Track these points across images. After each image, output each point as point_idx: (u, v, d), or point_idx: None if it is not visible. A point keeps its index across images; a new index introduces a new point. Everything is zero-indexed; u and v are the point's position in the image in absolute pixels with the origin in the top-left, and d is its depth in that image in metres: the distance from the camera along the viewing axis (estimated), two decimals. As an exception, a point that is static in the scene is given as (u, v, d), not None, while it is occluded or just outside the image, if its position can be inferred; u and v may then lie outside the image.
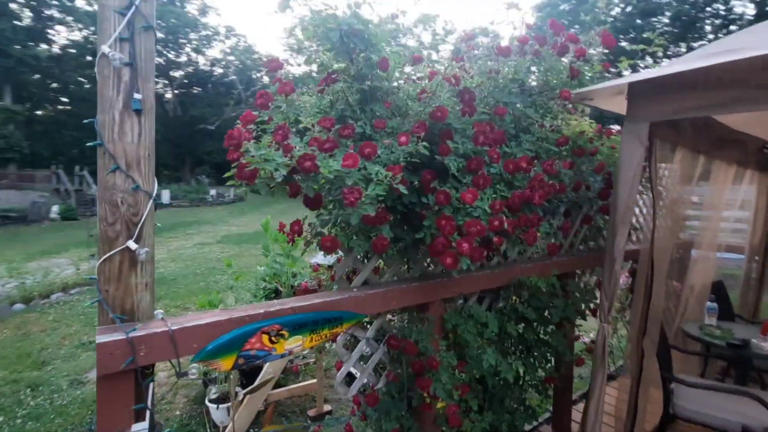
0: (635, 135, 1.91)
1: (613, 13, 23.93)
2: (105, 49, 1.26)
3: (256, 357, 1.45)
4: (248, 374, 3.73)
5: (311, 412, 3.80)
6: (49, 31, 26.31)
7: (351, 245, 1.59)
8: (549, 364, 2.46)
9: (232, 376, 3.30)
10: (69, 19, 26.59)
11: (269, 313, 1.50)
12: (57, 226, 16.55)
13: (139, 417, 1.30)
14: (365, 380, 1.97)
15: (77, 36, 28.10)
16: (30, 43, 23.76)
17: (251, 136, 1.40)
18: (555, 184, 1.68)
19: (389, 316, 2.18)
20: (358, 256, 1.89)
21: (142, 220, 1.35)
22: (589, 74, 2.15)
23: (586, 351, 3.72)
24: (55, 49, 27.01)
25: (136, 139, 1.32)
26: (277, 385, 3.75)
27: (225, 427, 3.20)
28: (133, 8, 1.30)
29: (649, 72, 1.88)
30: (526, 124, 2.07)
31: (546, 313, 2.40)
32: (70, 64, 26.40)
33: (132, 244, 1.32)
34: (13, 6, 23.38)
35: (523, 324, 2.45)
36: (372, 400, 1.94)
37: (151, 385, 1.32)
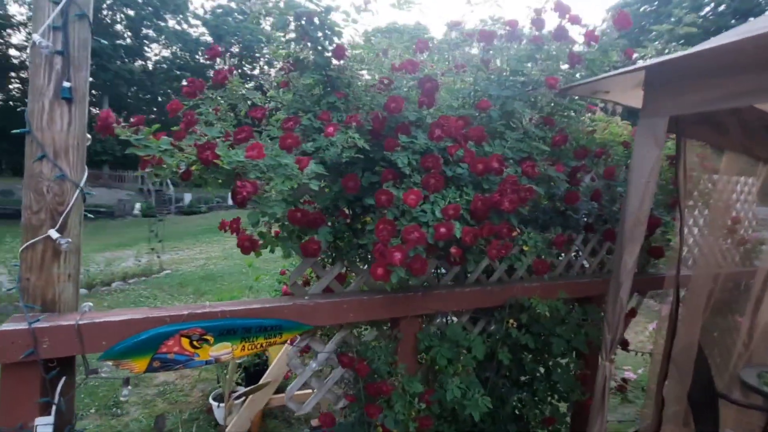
0: (650, 133, 1.56)
1: (702, 12, 21.54)
2: (36, 37, 1.26)
3: (174, 361, 1.36)
4: (252, 376, 3.72)
5: (314, 422, 3.68)
6: (144, 48, 29.70)
7: (275, 247, 1.45)
8: (552, 403, 2.11)
9: (228, 376, 3.29)
10: (161, 37, 29.84)
11: (194, 315, 1.40)
12: (136, 222, 18.41)
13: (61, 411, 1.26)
14: (321, 397, 1.80)
15: (167, 53, 31.42)
16: (126, 60, 27.03)
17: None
18: (532, 188, 1.40)
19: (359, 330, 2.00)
20: (318, 260, 1.74)
21: (67, 210, 1.33)
22: (602, 62, 1.81)
23: (617, 390, 3.21)
24: (149, 64, 30.43)
25: (66, 127, 1.31)
26: (281, 390, 3.70)
27: (225, 427, 3.20)
28: (68, -3, 1.29)
29: (671, 55, 1.53)
30: (523, 122, 1.80)
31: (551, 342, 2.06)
32: (159, 77, 29.51)
33: (53, 234, 1.30)
34: (117, 27, 26.82)
35: (529, 354, 2.13)
36: (328, 421, 1.77)
37: (62, 378, 1.28)
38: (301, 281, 1.78)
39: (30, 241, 1.29)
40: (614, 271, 1.61)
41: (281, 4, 1.47)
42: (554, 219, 2.24)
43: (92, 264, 7.75)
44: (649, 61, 1.55)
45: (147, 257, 8.60)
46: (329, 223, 1.51)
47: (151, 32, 29.35)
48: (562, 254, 2.24)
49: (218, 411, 3.33)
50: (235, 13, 31.14)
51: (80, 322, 1.25)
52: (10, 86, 25.08)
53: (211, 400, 3.55)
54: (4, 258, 6.41)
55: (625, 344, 2.61)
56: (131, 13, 26.95)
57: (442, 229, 1.22)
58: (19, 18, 23.97)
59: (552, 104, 1.82)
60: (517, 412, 2.14)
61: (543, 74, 1.73)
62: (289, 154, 1.17)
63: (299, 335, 1.68)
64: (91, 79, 1.37)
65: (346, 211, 1.69)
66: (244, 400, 3.35)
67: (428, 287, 1.97)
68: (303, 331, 1.60)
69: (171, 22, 29.94)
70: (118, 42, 26.25)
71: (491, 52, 1.75)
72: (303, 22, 1.46)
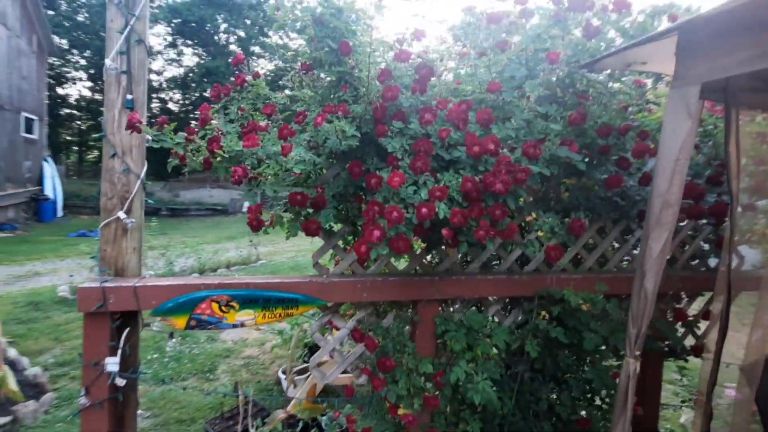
0: (681, 103, 1.36)
1: None
2: (107, 62, 1.62)
3: (207, 322, 1.62)
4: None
5: (281, 414, 3.84)
6: (253, 64, 33.31)
7: (282, 226, 1.61)
8: (591, 404, 1.96)
9: (290, 353, 3.64)
10: (266, 54, 33.12)
11: (222, 284, 1.65)
12: (245, 218, 20.81)
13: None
14: (342, 369, 1.94)
15: (271, 66, 34.79)
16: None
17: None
18: (528, 169, 1.33)
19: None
20: (339, 243, 1.89)
21: (132, 196, 1.67)
22: (631, 32, 1.60)
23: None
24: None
25: (129, 131, 1.65)
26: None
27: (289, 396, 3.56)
28: (129, 28, 1.63)
29: (702, 12, 1.32)
30: (548, 105, 1.71)
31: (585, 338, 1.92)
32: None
33: (122, 215, 1.65)
34: (231, 47, 30.50)
35: (564, 350, 2.01)
36: (349, 392, 1.91)
37: (127, 329, 1.62)
38: (341, 267, 1.91)
39: (106, 221, 1.66)
40: (639, 259, 1.46)
41: (297, 11, 1.64)
42: (602, 206, 2.06)
43: (204, 253, 9.03)
44: (686, 17, 1.37)
45: (247, 249, 9.76)
46: (337, 208, 1.64)
47: (257, 49, 32.75)
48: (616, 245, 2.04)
49: (285, 383, 3.70)
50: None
51: (136, 285, 1.57)
52: (152, 105, 30.17)
53: (280, 374, 3.96)
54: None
55: (697, 351, 2.28)
56: (242, 34, 30.39)
57: (424, 210, 1.26)
58: (157, 48, 28.69)
59: (567, 80, 1.68)
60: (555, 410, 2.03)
61: (568, 48, 1.62)
62: (285, 144, 1.33)
63: (320, 310, 1.84)
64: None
65: (362, 197, 1.80)
66: (308, 375, 3.68)
67: (448, 273, 1.99)
68: (318, 306, 1.76)
69: (274, 38, 33.12)
70: (229, 60, 29.85)
71: (503, 34, 1.69)
72: (314, 23, 1.60)
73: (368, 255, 1.33)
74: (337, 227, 1.85)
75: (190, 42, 30.03)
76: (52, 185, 15.58)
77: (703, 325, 2.31)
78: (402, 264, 2.01)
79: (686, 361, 2.31)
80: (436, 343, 1.91)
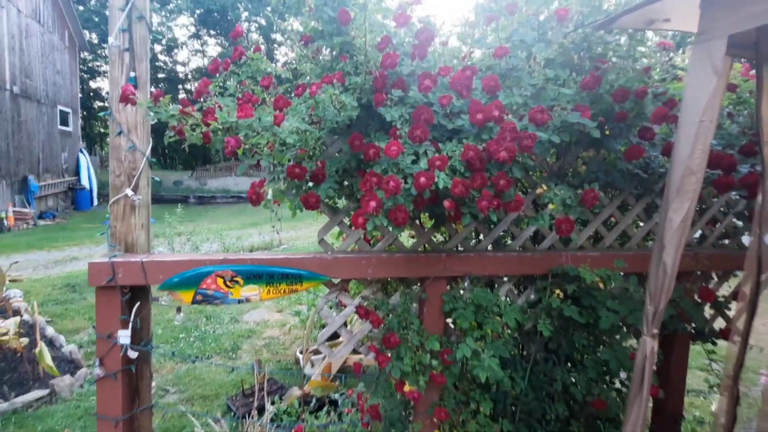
0: (706, 59, 1.24)
1: None
2: (110, 39, 1.62)
3: (213, 297, 1.64)
4: (333, 335, 4.08)
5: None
6: (275, 52, 33.36)
7: (282, 199, 1.59)
8: (602, 383, 1.88)
9: (306, 332, 3.68)
10: (287, 40, 33.14)
11: (227, 260, 1.66)
12: (269, 205, 21.17)
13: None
14: (350, 347, 1.94)
15: (292, 54, 34.83)
16: (261, 64, 30.78)
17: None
18: (534, 135, 1.24)
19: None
20: (344, 220, 1.86)
21: (138, 173, 1.69)
22: None
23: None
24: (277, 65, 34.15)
25: (134, 108, 1.66)
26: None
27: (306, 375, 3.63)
28: (130, 4, 1.62)
29: None
30: (560, 69, 1.61)
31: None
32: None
33: (129, 192, 1.67)
34: (252, 36, 30.59)
35: (579, 330, 1.94)
36: (357, 368, 1.91)
37: (137, 303, 1.66)
38: (347, 244, 1.90)
39: (115, 197, 1.69)
40: (659, 231, 1.36)
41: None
42: (623, 180, 1.94)
43: (227, 239, 9.26)
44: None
45: (270, 235, 9.95)
46: (340, 183, 1.61)
47: (278, 36, 32.75)
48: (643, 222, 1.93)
49: (302, 362, 3.77)
50: None
51: (144, 260, 1.60)
52: (179, 96, 30.83)
53: (298, 353, 4.04)
54: (163, 231, 8.10)
55: (726, 334, 2.15)
56: (263, 22, 30.39)
57: (422, 179, 1.21)
58: (182, 39, 29.15)
59: (584, 44, 1.56)
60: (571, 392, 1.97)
61: (583, 4, 1.50)
62: (278, 113, 1.30)
63: (327, 287, 1.83)
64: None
65: (365, 171, 1.75)
66: (324, 356, 3.73)
67: (457, 250, 1.94)
68: (323, 282, 1.75)
69: (295, 24, 33.03)
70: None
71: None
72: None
73: (364, 226, 1.29)
74: (341, 203, 1.82)
75: (213, 32, 30.30)
76: (88, 175, 16.31)
77: (735, 307, 2.17)
78: (411, 243, 1.97)
79: (714, 344, 2.18)
80: (444, 322, 1.88)
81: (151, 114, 1.50)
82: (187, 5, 26.93)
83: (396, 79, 1.46)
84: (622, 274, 1.89)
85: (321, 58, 1.72)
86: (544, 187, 1.60)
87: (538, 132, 1.31)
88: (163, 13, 27.38)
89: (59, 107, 15.12)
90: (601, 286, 1.85)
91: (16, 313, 4.59)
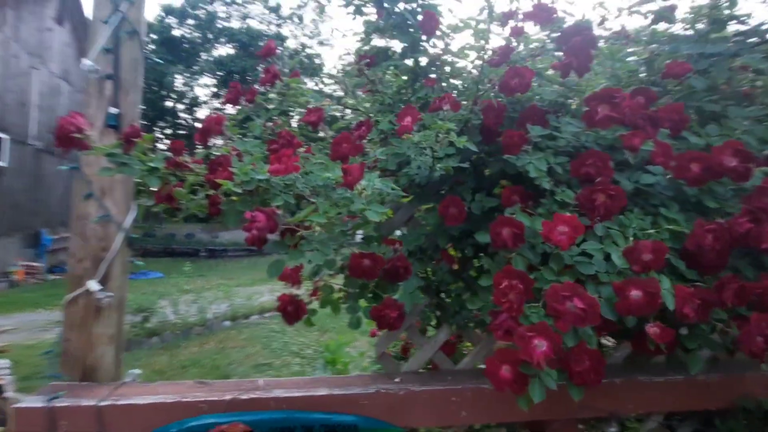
0: None
1: None
2: (85, 62, 1.12)
3: (213, 469, 0.98)
4: None
5: None
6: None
7: (336, 310, 0.98)
8: None
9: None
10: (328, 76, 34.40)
11: (237, 402, 1.02)
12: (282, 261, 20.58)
13: None
14: None
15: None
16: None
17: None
18: None
19: None
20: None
21: (112, 258, 1.11)
22: None
23: None
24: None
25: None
26: None
27: None
28: (120, 15, 1.14)
29: None
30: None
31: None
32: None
33: (93, 285, 1.08)
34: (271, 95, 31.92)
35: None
36: None
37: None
38: (416, 360, 1.27)
39: (72, 294, 1.10)
40: None
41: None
42: None
43: (237, 298, 8.57)
44: None
45: (282, 292, 9.22)
46: (421, 273, 1.01)
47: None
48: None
49: None
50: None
51: (101, 404, 0.97)
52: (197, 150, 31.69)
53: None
54: (170, 291, 7.50)
55: None
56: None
57: (634, 292, 0.61)
58: (203, 98, 30.50)
59: None
60: None
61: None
62: (348, 165, 0.73)
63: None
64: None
65: (451, 254, 1.16)
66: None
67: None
68: (389, 435, 1.08)
69: (309, 84, 34.43)
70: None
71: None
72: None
73: (522, 388, 0.67)
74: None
75: (233, 91, 31.70)
76: (101, 228, 16.08)
77: None
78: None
79: None
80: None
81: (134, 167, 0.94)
82: (210, 67, 28.36)
83: (524, 109, 0.90)
84: None
85: (384, 87, 1.18)
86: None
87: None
88: (187, 74, 28.81)
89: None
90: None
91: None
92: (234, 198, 0.77)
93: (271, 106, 1.06)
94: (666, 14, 1.10)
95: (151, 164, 0.82)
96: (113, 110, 1.11)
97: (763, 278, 0.68)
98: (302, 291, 1.14)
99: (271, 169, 0.72)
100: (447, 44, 1.05)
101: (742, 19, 1.19)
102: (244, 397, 1.03)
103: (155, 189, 0.83)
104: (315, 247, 0.70)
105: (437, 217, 1.02)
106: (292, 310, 0.92)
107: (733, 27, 1.14)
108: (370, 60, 1.12)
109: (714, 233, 0.67)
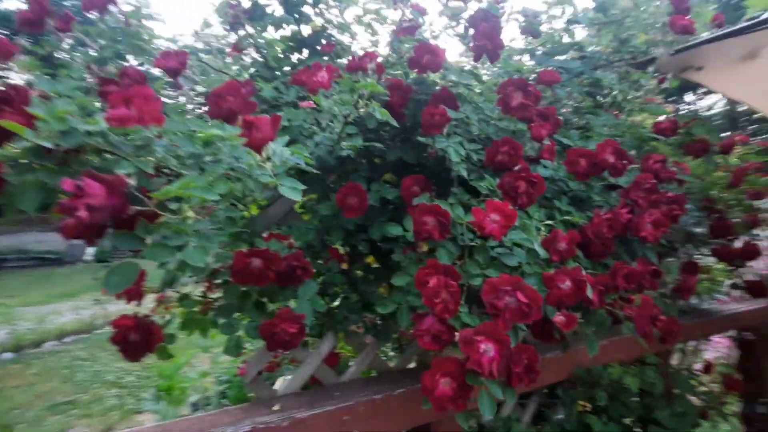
0: None
1: None
2: None
3: None
4: None
5: None
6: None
7: (204, 331, 0.76)
8: None
9: None
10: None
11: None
12: (89, 268, 16.75)
13: None
14: None
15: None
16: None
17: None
18: (682, 198, 0.82)
19: None
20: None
21: None
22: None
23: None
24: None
25: None
26: None
27: None
28: None
29: None
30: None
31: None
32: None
33: None
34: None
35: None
36: None
37: None
38: (294, 381, 1.06)
39: None
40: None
41: None
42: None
43: (21, 321, 6.53)
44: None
45: (90, 310, 7.40)
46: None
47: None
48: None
49: None
50: None
51: None
52: None
53: None
54: None
55: None
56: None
57: (566, 282, 0.59)
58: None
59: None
60: None
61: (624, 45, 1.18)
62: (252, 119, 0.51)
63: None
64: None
65: (340, 250, 1.03)
66: None
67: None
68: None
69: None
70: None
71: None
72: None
73: (463, 402, 0.57)
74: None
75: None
76: None
77: None
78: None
79: None
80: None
81: None
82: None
83: (434, 92, 0.83)
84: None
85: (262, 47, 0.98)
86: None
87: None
88: None
89: None
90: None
91: None
92: (34, 165, 0.45)
93: (102, 42, 0.71)
94: (533, 28, 1.22)
95: None
96: None
97: (640, 263, 0.78)
98: (146, 309, 0.84)
99: (113, 115, 0.43)
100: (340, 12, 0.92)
101: (578, 47, 1.41)
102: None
103: None
104: (192, 240, 0.46)
105: (332, 207, 0.87)
106: (138, 340, 0.63)
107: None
108: (246, 12, 0.89)
109: (609, 222, 0.73)
